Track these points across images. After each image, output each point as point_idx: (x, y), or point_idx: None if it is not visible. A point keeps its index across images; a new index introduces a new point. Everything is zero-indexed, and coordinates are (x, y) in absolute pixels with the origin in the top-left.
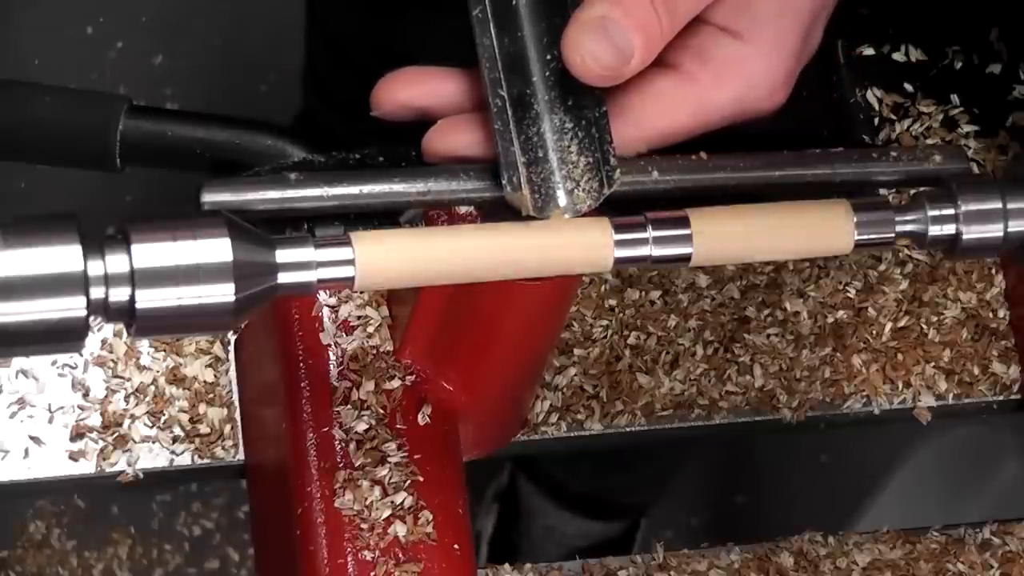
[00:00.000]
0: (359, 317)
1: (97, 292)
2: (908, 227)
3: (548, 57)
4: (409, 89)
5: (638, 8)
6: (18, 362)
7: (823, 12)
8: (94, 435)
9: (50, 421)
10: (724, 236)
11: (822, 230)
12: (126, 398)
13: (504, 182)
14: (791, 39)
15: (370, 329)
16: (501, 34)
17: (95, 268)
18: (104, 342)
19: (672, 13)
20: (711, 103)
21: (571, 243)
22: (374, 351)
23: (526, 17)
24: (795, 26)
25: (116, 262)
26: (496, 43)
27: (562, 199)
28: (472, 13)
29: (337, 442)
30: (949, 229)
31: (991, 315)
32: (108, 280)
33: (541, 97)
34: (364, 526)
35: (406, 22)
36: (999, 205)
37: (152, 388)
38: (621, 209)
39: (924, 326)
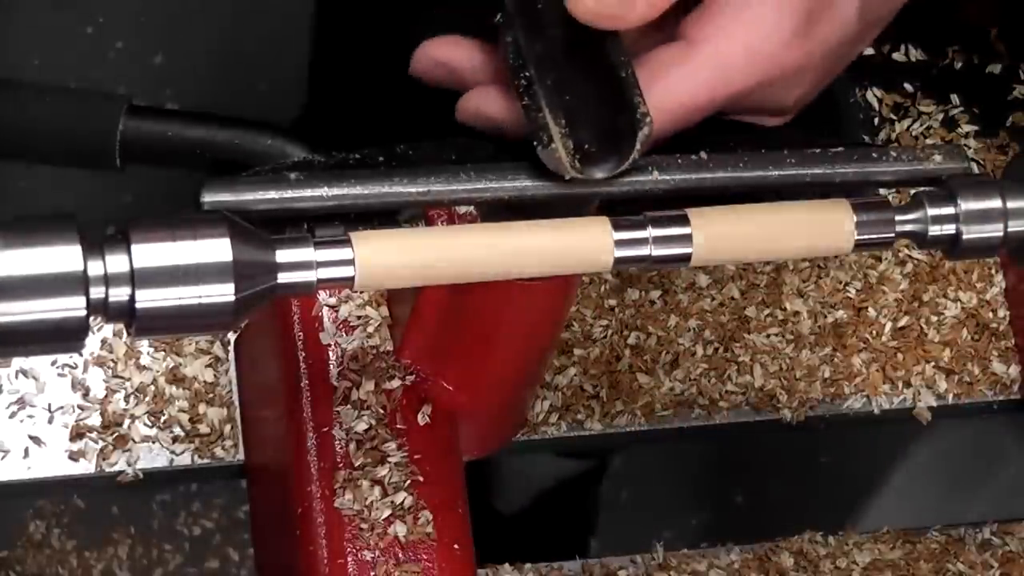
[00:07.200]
0: (359, 317)
1: (97, 292)
2: (908, 227)
3: (567, 16)
4: (447, 49)
5: None
6: (18, 362)
7: None
8: (94, 435)
9: (50, 421)
10: (724, 236)
11: (822, 230)
12: (126, 398)
13: (536, 144)
14: None
15: (370, 329)
16: None
17: (95, 268)
18: (104, 342)
19: None
20: (724, 59)
21: (571, 243)
22: (374, 351)
23: None
24: None
25: (116, 262)
26: (515, 5)
27: (597, 159)
28: None
29: (337, 442)
30: (949, 229)
31: (991, 315)
32: (108, 280)
33: (566, 59)
34: (364, 526)
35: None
36: (999, 205)
37: (152, 388)
38: (621, 209)
39: (924, 326)
